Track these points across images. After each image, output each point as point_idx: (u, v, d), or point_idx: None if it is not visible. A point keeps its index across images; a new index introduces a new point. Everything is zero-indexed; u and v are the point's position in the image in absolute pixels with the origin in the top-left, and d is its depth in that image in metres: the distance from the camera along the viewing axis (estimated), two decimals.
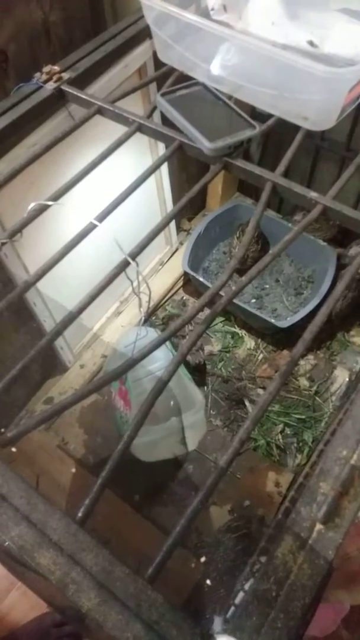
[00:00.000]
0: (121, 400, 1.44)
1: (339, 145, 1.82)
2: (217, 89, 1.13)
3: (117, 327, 1.86)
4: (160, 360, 1.41)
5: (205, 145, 1.01)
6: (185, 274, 1.92)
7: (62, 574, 0.54)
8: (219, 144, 1.01)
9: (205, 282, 1.83)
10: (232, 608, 0.64)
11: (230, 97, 1.13)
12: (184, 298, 2.06)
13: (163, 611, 0.54)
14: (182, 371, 1.53)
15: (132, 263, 0.93)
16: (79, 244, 0.90)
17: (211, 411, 1.80)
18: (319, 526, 0.63)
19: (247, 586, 0.71)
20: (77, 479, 1.53)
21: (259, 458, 1.72)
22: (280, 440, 1.75)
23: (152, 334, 1.30)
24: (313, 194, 0.95)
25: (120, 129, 1.06)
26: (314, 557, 0.61)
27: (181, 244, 2.14)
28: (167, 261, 2.07)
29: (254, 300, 1.99)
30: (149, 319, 1.17)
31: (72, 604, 0.54)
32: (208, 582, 1.35)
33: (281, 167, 1.02)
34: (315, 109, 1.01)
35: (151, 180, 1.81)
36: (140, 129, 1.09)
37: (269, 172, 1.02)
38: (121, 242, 0.88)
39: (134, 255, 0.93)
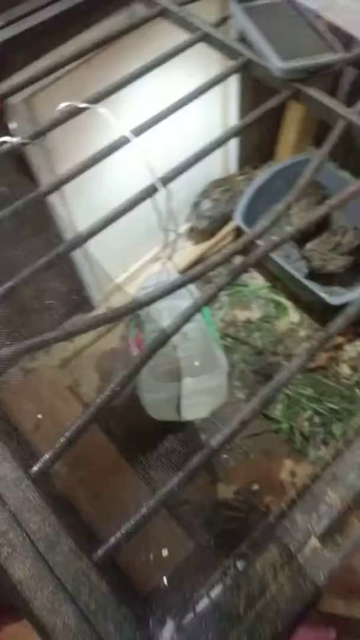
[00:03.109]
0: (137, 349, 1.33)
1: None
2: (304, 5, 0.94)
3: (156, 271, 1.73)
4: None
5: (276, 64, 0.82)
6: (239, 228, 1.75)
7: None
8: (291, 64, 0.83)
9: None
10: (191, 614, 0.53)
11: (317, 17, 0.93)
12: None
13: (104, 602, 0.43)
14: (209, 329, 1.39)
15: (161, 189, 0.79)
16: (110, 162, 0.77)
17: (236, 382, 1.66)
18: (314, 541, 0.49)
19: (213, 593, 0.61)
20: None
21: (278, 442, 1.57)
22: (306, 427, 1.59)
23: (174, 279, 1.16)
24: None
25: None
26: (300, 578, 0.47)
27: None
28: None
29: (306, 271, 1.79)
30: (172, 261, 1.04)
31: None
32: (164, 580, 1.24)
33: None
34: None
35: (215, 110, 1.62)
36: (205, 38, 0.92)
37: (345, 107, 0.83)
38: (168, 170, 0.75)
39: (166, 180, 0.79)
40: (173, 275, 1.16)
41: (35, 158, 1.14)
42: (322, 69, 0.84)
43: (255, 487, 1.52)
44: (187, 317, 0.68)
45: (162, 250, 1.03)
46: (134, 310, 0.65)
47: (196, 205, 1.86)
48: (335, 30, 0.90)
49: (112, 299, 1.70)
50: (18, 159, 1.14)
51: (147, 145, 0.81)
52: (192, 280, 0.72)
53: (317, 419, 1.61)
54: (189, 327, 1.45)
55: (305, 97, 0.85)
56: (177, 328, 0.63)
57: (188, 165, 0.82)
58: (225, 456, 1.56)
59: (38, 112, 1.09)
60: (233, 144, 1.75)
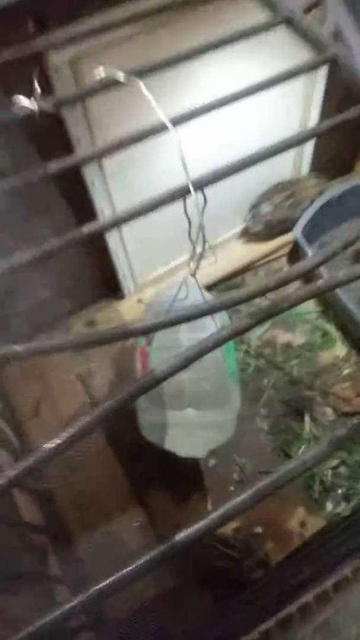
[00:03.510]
0: (140, 362, 1.18)
1: None
2: None
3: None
4: (206, 331, 1.10)
5: None
6: (296, 242, 1.56)
7: None
8: None
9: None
10: None
11: None
12: (285, 269, 1.70)
13: None
14: (228, 359, 1.22)
15: (193, 194, 0.64)
16: (149, 151, 0.63)
17: (261, 409, 1.49)
18: None
19: None
20: None
21: (294, 487, 1.40)
22: (329, 477, 1.41)
23: (196, 297, 0.99)
24: None
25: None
26: None
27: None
28: None
29: None
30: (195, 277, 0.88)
31: None
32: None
33: None
34: None
35: (297, 109, 1.44)
36: (288, 22, 0.75)
37: None
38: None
39: (201, 184, 0.64)
40: (196, 292, 1.00)
41: (75, 128, 1.00)
42: None
43: (259, 529, 1.36)
44: (204, 352, 0.53)
45: (188, 262, 0.88)
46: (143, 333, 0.55)
47: (255, 206, 1.68)
48: None
49: (145, 291, 1.56)
50: (56, 127, 1.01)
51: (186, 136, 0.66)
52: (217, 308, 0.57)
53: (343, 470, 1.43)
54: None
55: None
56: (201, 354, 0.52)
57: (232, 171, 0.66)
58: (232, 488, 1.40)
59: (84, 77, 0.95)
60: (309, 148, 1.55)
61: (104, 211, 1.23)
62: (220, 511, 0.43)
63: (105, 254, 1.38)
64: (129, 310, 1.53)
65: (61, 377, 1.40)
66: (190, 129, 0.65)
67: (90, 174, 1.14)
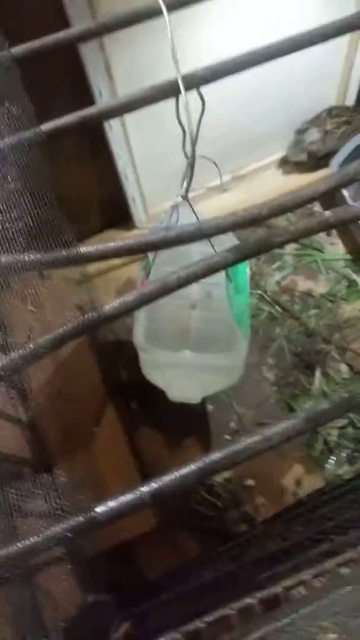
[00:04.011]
0: None
1: None
2: None
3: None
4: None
5: None
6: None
7: None
8: None
9: (349, 200, 1.29)
10: None
11: None
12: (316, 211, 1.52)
13: None
14: (241, 297, 1.10)
15: (182, 93, 0.54)
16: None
17: (269, 359, 1.39)
18: None
19: None
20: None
21: (295, 443, 1.31)
22: (334, 437, 1.32)
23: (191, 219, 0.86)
24: None
25: None
26: None
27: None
28: None
29: None
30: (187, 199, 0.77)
31: None
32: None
33: None
34: None
35: None
36: None
37: None
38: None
39: (197, 80, 0.54)
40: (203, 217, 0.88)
41: (91, 63, 0.87)
42: None
43: (251, 482, 1.30)
44: (210, 269, 0.48)
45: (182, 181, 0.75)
46: (140, 250, 0.51)
47: (300, 132, 1.49)
48: None
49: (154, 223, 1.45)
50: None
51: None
52: (231, 228, 0.50)
53: (350, 431, 1.33)
54: (214, 286, 1.16)
55: None
56: (186, 280, 0.48)
57: (232, 69, 0.54)
58: (227, 437, 1.34)
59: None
60: (357, 76, 1.33)
61: (102, 92, 1.09)
62: (195, 466, 0.40)
63: (114, 176, 1.27)
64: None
65: (60, 307, 1.33)
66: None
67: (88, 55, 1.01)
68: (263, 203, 0.52)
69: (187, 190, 0.72)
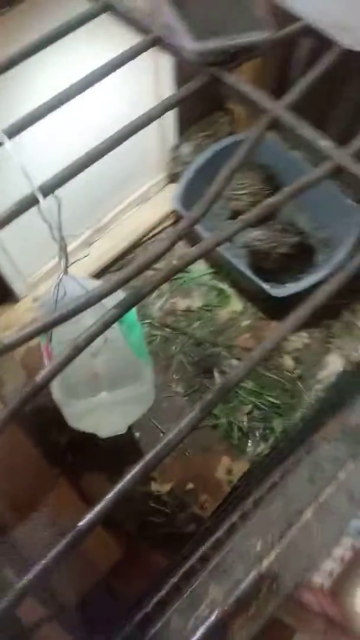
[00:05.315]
0: (47, 359, 1.21)
1: None
2: None
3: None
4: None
5: (187, 45, 0.68)
6: (176, 212, 1.62)
7: None
8: (206, 46, 0.68)
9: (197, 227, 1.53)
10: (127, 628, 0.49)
11: None
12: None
13: None
14: (133, 334, 1.28)
15: (42, 201, 0.67)
16: None
17: (173, 375, 1.57)
18: None
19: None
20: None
21: (216, 438, 1.51)
22: (245, 422, 1.53)
23: (82, 286, 1.02)
24: (325, 143, 0.64)
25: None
26: None
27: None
28: (158, 193, 1.74)
29: (248, 259, 1.68)
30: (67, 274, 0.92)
31: None
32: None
33: (290, 97, 0.69)
34: None
35: (149, 96, 1.46)
36: (108, 8, 0.77)
37: (270, 100, 0.69)
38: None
39: (50, 188, 0.66)
40: (86, 281, 1.03)
41: None
42: (245, 50, 0.70)
43: (190, 485, 1.47)
44: (105, 326, 0.57)
45: (58, 262, 0.89)
46: (43, 330, 0.57)
47: (175, 148, 1.72)
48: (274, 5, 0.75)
49: (40, 288, 1.57)
50: None
51: (25, 147, 0.67)
52: (114, 289, 0.61)
53: (256, 414, 1.55)
54: (109, 331, 1.31)
55: (225, 84, 0.71)
56: (90, 339, 0.56)
57: (78, 169, 0.68)
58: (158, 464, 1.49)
59: None
60: (170, 118, 1.57)
61: None
62: (178, 428, 0.47)
63: None
64: (25, 313, 1.53)
65: None
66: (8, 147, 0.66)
67: None
68: (129, 268, 0.66)
69: (65, 270, 0.87)
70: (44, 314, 1.27)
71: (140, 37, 0.76)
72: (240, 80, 0.70)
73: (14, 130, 0.67)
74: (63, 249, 0.84)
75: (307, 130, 0.67)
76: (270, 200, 0.64)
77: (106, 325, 0.60)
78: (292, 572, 0.49)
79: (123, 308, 0.61)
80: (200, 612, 0.44)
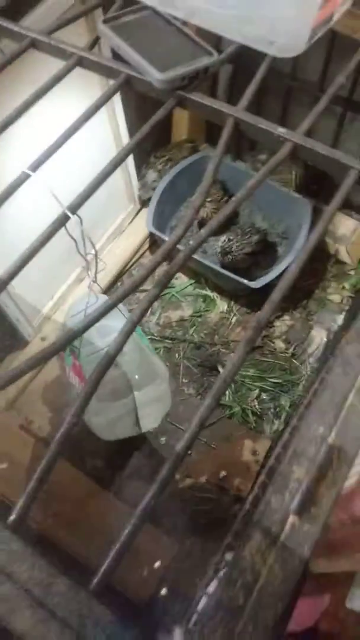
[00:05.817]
0: (76, 377, 1.32)
1: (312, 85, 1.67)
2: (169, 14, 0.97)
3: (81, 295, 1.73)
4: (116, 331, 1.28)
5: (155, 76, 0.86)
6: (151, 234, 1.79)
7: None
8: (170, 75, 0.86)
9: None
10: (195, 616, 0.56)
11: (185, 23, 0.98)
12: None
13: (111, 631, 0.45)
14: (143, 342, 1.42)
15: (72, 217, 0.81)
16: (15, 199, 0.77)
17: (183, 379, 1.71)
18: (292, 518, 0.53)
19: (211, 589, 0.64)
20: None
21: (234, 426, 1.64)
22: (257, 406, 1.68)
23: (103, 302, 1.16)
24: (281, 130, 0.82)
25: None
26: (287, 556, 0.52)
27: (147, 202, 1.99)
28: (131, 221, 1.92)
29: (221, 262, 1.87)
30: (97, 283, 1.06)
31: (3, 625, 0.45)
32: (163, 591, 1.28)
33: (244, 101, 0.88)
34: (282, 31, 0.87)
35: (106, 127, 1.63)
36: (81, 62, 0.94)
37: (229, 106, 0.88)
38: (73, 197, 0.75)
39: (74, 208, 0.80)
40: (100, 297, 1.17)
41: None
42: (201, 72, 0.88)
43: (223, 473, 1.58)
44: (126, 335, 0.68)
45: (86, 272, 1.03)
46: (70, 341, 0.64)
47: (142, 176, 1.91)
48: (203, 34, 0.95)
49: (43, 329, 1.68)
50: None
51: (49, 177, 0.82)
52: (117, 301, 0.73)
53: (264, 396, 1.70)
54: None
55: (190, 102, 0.89)
56: (119, 347, 0.62)
57: (92, 189, 0.83)
58: (190, 452, 1.60)
59: None
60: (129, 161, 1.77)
61: None
62: (197, 417, 0.56)
63: None
64: (37, 351, 1.63)
65: (7, 435, 1.48)
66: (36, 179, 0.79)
67: None
68: (127, 282, 0.75)
69: (94, 280, 1.00)
70: (75, 323, 1.39)
71: (112, 81, 0.93)
72: (202, 96, 0.89)
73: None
74: (91, 261, 0.98)
75: (265, 123, 0.84)
76: (238, 195, 0.79)
77: (126, 337, 0.67)
78: (350, 445, 0.63)
79: (131, 326, 0.68)
80: (291, 488, 0.57)
